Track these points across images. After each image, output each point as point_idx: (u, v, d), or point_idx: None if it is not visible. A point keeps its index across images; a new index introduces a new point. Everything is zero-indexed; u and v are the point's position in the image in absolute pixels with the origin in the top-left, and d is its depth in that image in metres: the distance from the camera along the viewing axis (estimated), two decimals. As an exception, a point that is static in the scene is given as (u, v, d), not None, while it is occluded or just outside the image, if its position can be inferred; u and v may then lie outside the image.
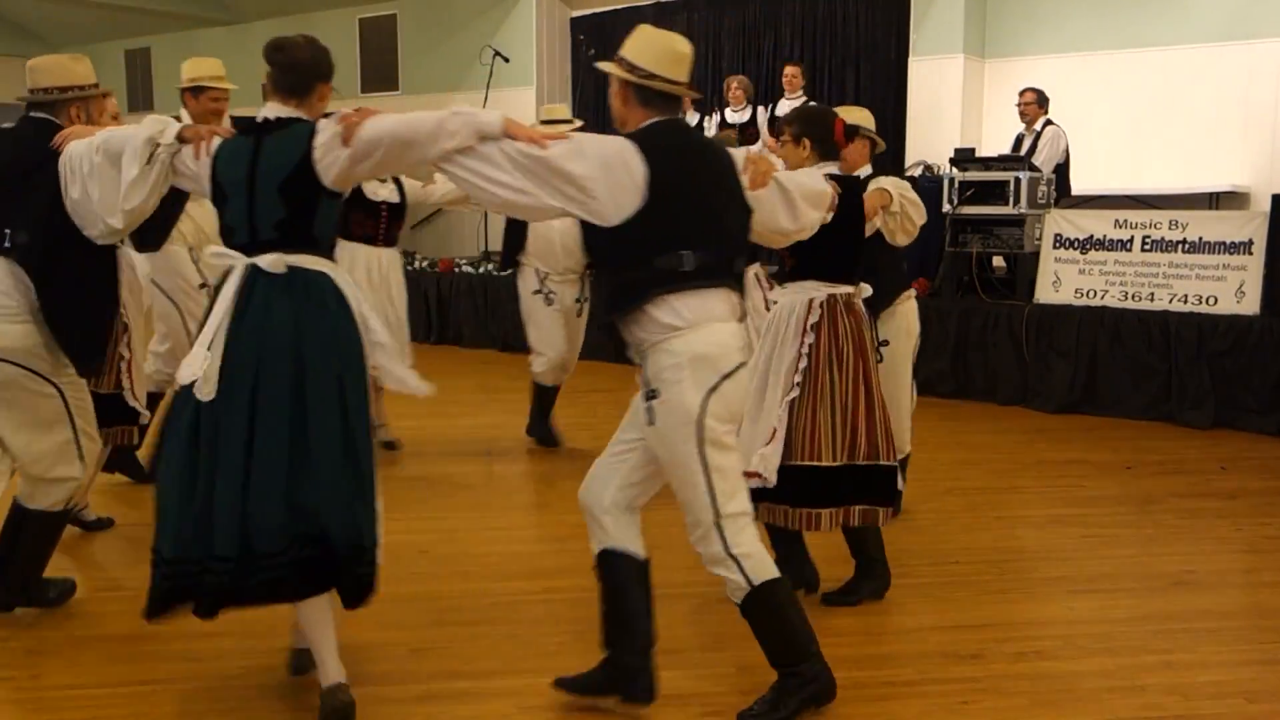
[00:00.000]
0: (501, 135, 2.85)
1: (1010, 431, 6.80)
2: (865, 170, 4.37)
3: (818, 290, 3.70)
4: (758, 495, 3.49)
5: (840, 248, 3.72)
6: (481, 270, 10.46)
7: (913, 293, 4.68)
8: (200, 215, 4.96)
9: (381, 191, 5.90)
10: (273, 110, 3.04)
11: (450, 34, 12.72)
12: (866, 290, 3.84)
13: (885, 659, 3.48)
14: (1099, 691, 3.24)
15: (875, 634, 3.67)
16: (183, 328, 5.06)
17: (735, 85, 9.33)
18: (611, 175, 2.85)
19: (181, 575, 2.89)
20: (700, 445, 2.87)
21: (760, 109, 9.40)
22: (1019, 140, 8.71)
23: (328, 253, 3.07)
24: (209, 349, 2.87)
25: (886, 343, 4.22)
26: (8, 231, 3.46)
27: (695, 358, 2.85)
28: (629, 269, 2.89)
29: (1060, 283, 7.50)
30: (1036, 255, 7.62)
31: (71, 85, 3.64)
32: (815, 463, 3.59)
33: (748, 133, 9.22)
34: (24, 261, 3.45)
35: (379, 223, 5.93)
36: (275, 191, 2.94)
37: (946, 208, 7.80)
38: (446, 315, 10.48)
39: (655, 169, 2.85)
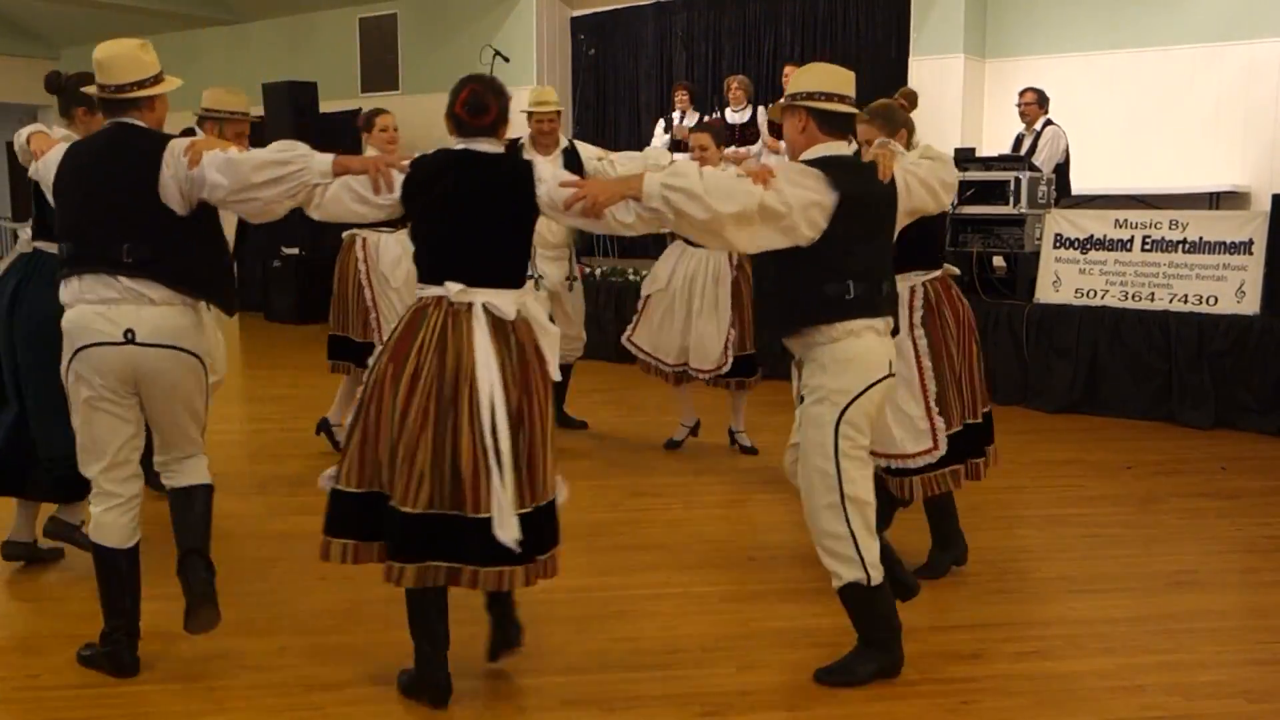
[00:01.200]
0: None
1: (1010, 431, 6.78)
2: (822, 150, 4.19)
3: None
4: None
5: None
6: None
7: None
8: None
9: None
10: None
11: (450, 34, 12.72)
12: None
13: (885, 659, 3.47)
14: (1099, 691, 3.24)
15: (875, 634, 3.66)
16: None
17: (735, 85, 9.32)
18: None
19: None
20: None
21: (761, 109, 9.39)
22: (1019, 140, 8.71)
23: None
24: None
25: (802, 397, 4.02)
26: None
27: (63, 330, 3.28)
28: None
29: (1060, 282, 7.50)
30: (1037, 255, 7.62)
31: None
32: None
33: (747, 133, 9.22)
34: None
35: None
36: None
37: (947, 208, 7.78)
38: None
39: (59, 173, 3.46)
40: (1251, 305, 6.84)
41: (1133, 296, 7.25)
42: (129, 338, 3.18)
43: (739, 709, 3.12)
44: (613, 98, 12.43)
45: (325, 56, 13.18)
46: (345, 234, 5.88)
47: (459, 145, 3.15)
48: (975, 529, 4.78)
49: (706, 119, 9.66)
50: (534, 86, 6.24)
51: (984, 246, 7.78)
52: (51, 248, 3.66)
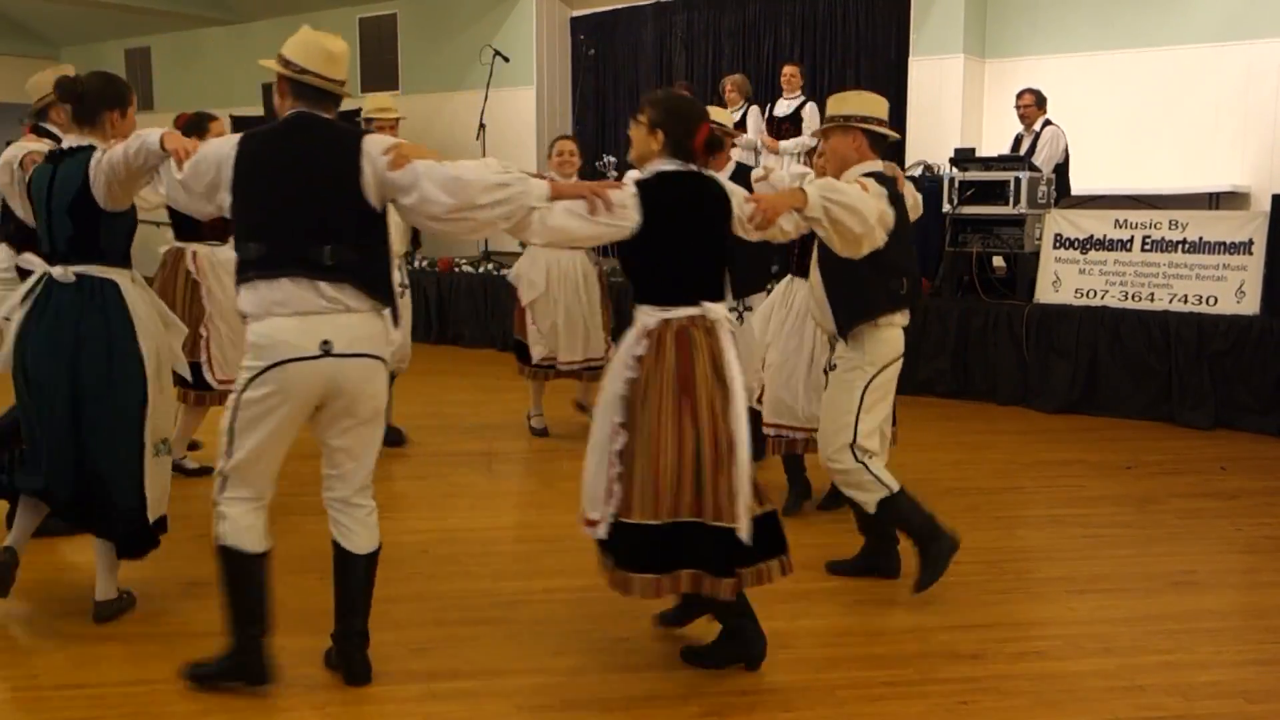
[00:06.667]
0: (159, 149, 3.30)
1: (1010, 431, 6.80)
2: (870, 166, 3.99)
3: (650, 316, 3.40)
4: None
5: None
6: (481, 270, 10.46)
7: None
8: None
9: None
10: (73, 139, 3.65)
11: (450, 34, 12.72)
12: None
13: (885, 659, 3.48)
14: (1099, 691, 3.24)
15: (875, 634, 3.67)
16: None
17: (730, 88, 9.30)
18: (202, 180, 3.14)
19: None
20: None
21: (754, 108, 9.40)
22: (1017, 140, 8.71)
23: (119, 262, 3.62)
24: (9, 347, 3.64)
25: (835, 366, 4.05)
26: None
27: (249, 344, 3.06)
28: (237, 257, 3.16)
29: (1060, 283, 7.50)
30: (1036, 255, 7.62)
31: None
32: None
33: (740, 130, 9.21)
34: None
35: None
36: (64, 213, 3.54)
37: (946, 208, 7.79)
38: (446, 315, 10.48)
39: (239, 163, 3.07)
40: (1251, 305, 6.84)
41: (1133, 297, 7.25)
42: (325, 349, 2.97)
43: (739, 709, 3.12)
44: (612, 98, 12.42)
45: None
46: (168, 248, 5.36)
47: (678, 168, 3.24)
48: (975, 529, 4.79)
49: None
50: (372, 95, 6.36)
51: (984, 247, 7.78)
52: (35, 263, 3.65)
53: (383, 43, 13.24)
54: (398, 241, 5.99)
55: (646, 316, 3.18)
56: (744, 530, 3.12)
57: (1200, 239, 7.08)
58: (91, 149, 3.55)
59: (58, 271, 3.54)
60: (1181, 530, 4.84)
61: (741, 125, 9.24)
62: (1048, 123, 8.56)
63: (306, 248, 2.96)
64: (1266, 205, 7.09)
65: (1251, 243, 6.91)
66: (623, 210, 3.12)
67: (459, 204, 2.97)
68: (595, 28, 12.25)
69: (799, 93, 9.33)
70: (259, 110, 12.84)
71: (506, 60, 11.44)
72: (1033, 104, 8.56)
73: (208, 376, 5.22)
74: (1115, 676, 3.34)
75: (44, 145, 4.13)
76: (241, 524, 3.09)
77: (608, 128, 12.26)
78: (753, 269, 5.28)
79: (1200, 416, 6.81)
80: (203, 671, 3.21)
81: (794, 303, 4.79)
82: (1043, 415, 7.22)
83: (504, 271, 10.14)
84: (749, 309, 5.34)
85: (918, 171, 9.02)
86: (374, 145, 3.04)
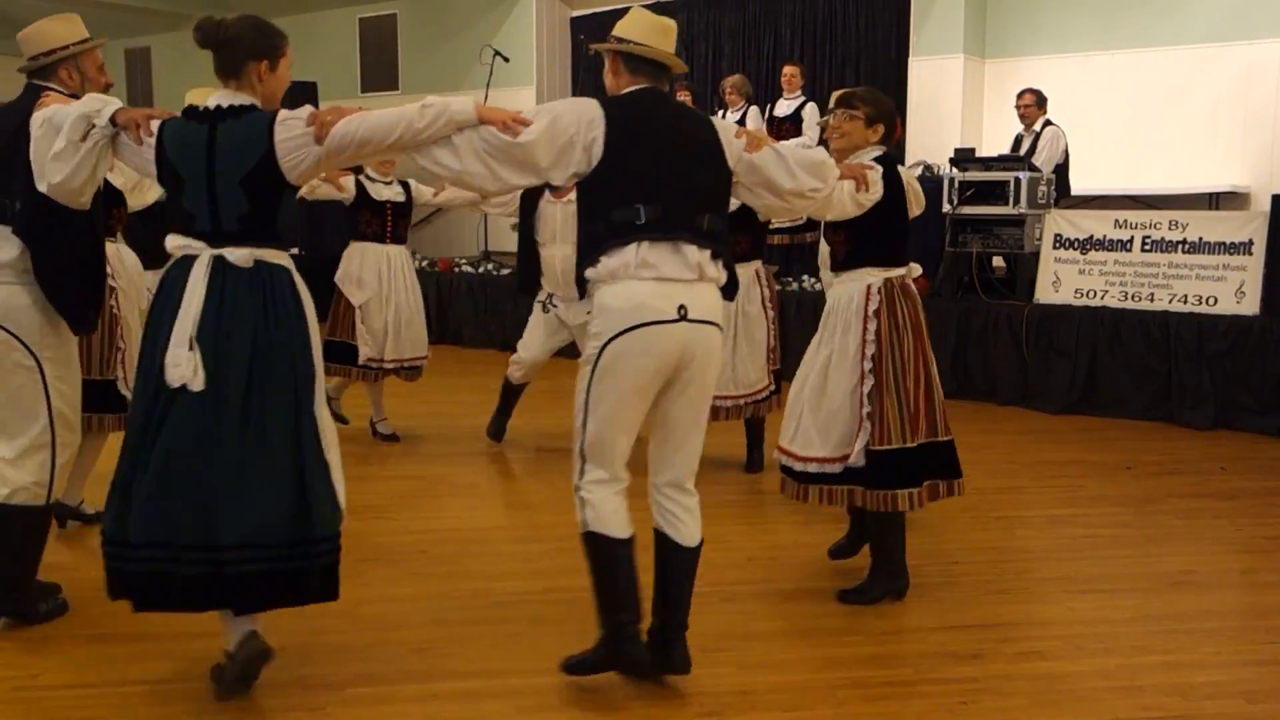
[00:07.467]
0: (475, 122, 2.97)
1: (1010, 432, 6.80)
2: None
3: (873, 276, 3.81)
4: (838, 478, 3.79)
5: (890, 230, 3.85)
6: (481, 270, 10.46)
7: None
8: None
9: (386, 192, 6.22)
10: (223, 96, 3.02)
11: (450, 34, 12.72)
12: (916, 270, 3.95)
13: (885, 659, 3.48)
14: (1099, 691, 3.24)
15: (875, 634, 3.67)
16: None
17: (729, 88, 9.30)
18: (557, 140, 2.99)
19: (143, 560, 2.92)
20: None
21: (754, 108, 9.39)
22: (1017, 141, 8.71)
23: (287, 246, 3.09)
24: (190, 347, 2.87)
25: None
26: (6, 201, 3.39)
27: (603, 308, 2.98)
28: (589, 220, 3.04)
29: (1060, 283, 7.50)
30: (1036, 255, 7.62)
31: (55, 48, 3.59)
32: (886, 446, 3.73)
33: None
34: (21, 227, 3.38)
35: (385, 221, 6.24)
36: (237, 185, 2.93)
37: (946, 208, 7.79)
38: (446, 315, 10.48)
39: (613, 126, 3.00)
40: (1251, 305, 6.85)
41: (1132, 297, 7.25)
42: (682, 314, 2.96)
43: (739, 709, 3.12)
44: (612, 98, 12.41)
45: (325, 56, 13.22)
46: None
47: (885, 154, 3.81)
48: (975, 529, 4.80)
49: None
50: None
51: (984, 247, 7.79)
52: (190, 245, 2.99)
53: (383, 43, 13.25)
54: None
55: (870, 276, 3.79)
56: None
57: (1200, 239, 7.08)
58: (259, 111, 3.02)
59: (237, 254, 2.93)
60: (1181, 530, 4.84)
61: (741, 124, 9.24)
62: (1048, 123, 8.56)
63: (693, 215, 3.02)
64: (1266, 205, 7.10)
65: (1251, 243, 6.91)
66: (876, 187, 3.66)
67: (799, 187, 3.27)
68: (595, 28, 12.22)
69: (799, 93, 9.32)
70: (259, 110, 12.83)
71: (506, 60, 11.45)
72: (1033, 104, 8.56)
73: (125, 392, 4.26)
74: (1115, 676, 3.34)
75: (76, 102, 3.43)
76: (606, 509, 3.04)
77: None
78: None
79: (1200, 416, 6.81)
80: (578, 662, 3.17)
81: None
82: (1042, 415, 7.22)
83: (505, 271, 10.19)
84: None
85: (918, 171, 9.03)
86: (727, 128, 3.23)
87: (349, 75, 13.35)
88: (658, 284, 2.96)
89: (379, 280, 6.17)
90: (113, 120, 3.04)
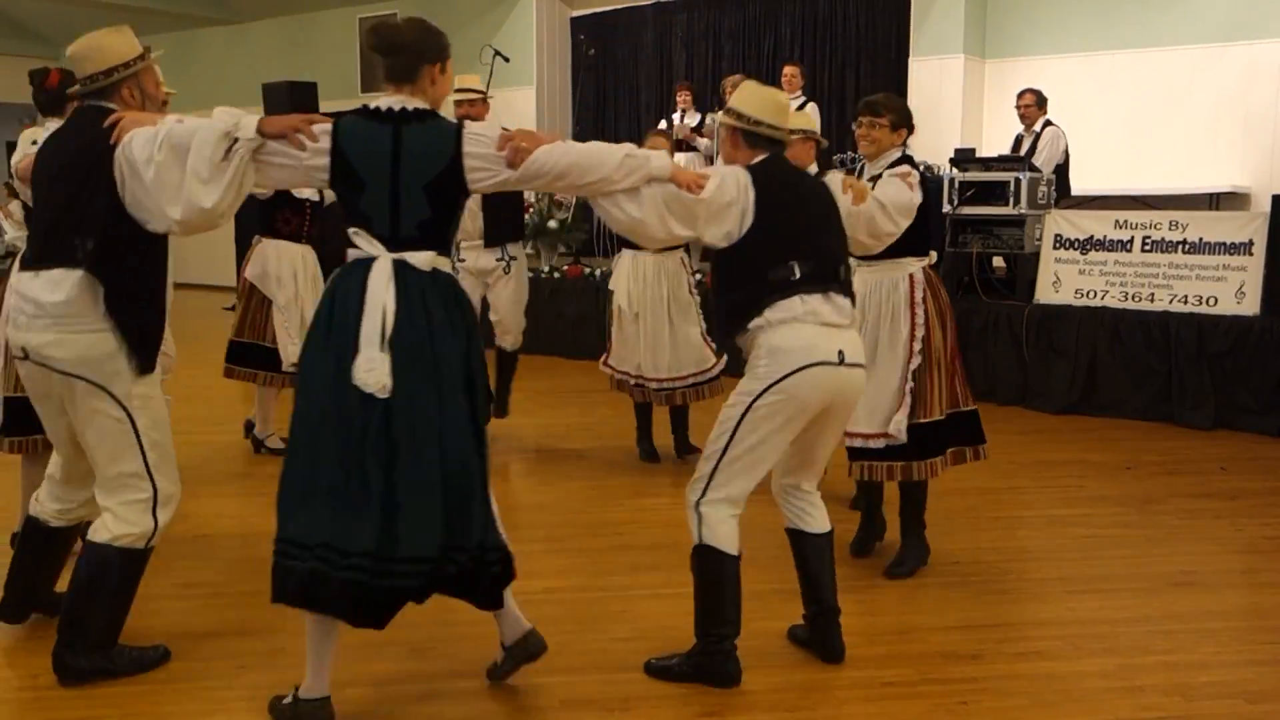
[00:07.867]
0: (667, 181, 3.12)
1: (1010, 431, 6.80)
2: (812, 169, 4.73)
3: (914, 265, 4.15)
4: (880, 455, 4.09)
5: (924, 222, 4.13)
6: (481, 270, 10.44)
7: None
8: None
9: (307, 190, 5.81)
10: (399, 100, 2.94)
11: (450, 34, 12.32)
12: (933, 257, 4.40)
13: (885, 659, 3.47)
14: (1099, 691, 3.24)
15: (875, 634, 3.67)
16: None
17: (730, 88, 9.30)
18: (722, 198, 3.18)
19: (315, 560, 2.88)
20: None
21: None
22: (1018, 141, 8.71)
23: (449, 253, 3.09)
24: (380, 349, 2.79)
25: None
26: (77, 241, 3.06)
27: (775, 349, 3.17)
28: (743, 280, 3.26)
29: (1060, 283, 7.50)
30: (1036, 255, 7.62)
31: (116, 65, 3.23)
32: (926, 418, 4.08)
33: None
34: (94, 269, 3.07)
35: (304, 220, 5.95)
36: (420, 190, 2.89)
37: (946, 208, 7.79)
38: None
39: (761, 193, 3.20)
40: (1251, 306, 6.85)
41: (1133, 297, 7.25)
42: (840, 358, 3.19)
43: (739, 709, 3.12)
44: (612, 98, 12.43)
45: (325, 56, 13.19)
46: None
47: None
48: (975, 529, 4.80)
49: (708, 118, 9.67)
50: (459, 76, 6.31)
51: (984, 247, 7.78)
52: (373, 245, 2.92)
53: (383, 43, 13.23)
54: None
55: (911, 265, 4.11)
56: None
57: (1200, 239, 7.08)
58: (443, 119, 2.97)
59: (418, 258, 2.88)
60: (1182, 530, 4.84)
61: None
62: (1048, 123, 8.56)
63: (835, 267, 3.28)
64: (1266, 206, 7.10)
65: (1251, 243, 6.91)
66: (918, 191, 3.94)
67: None
68: (595, 28, 12.25)
69: (799, 93, 9.32)
70: (259, 110, 12.83)
71: (506, 60, 11.43)
72: (1033, 104, 8.56)
73: None
74: (1115, 676, 3.34)
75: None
76: (721, 528, 3.21)
77: (607, 128, 12.25)
78: (513, 220, 6.16)
79: (1200, 417, 6.81)
80: (664, 667, 3.32)
81: (645, 272, 5.65)
82: (1043, 415, 7.22)
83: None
84: (513, 258, 6.10)
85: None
86: (835, 182, 3.64)
87: (349, 75, 13.33)
88: (821, 328, 3.20)
89: (294, 281, 5.87)
90: (260, 131, 2.91)
